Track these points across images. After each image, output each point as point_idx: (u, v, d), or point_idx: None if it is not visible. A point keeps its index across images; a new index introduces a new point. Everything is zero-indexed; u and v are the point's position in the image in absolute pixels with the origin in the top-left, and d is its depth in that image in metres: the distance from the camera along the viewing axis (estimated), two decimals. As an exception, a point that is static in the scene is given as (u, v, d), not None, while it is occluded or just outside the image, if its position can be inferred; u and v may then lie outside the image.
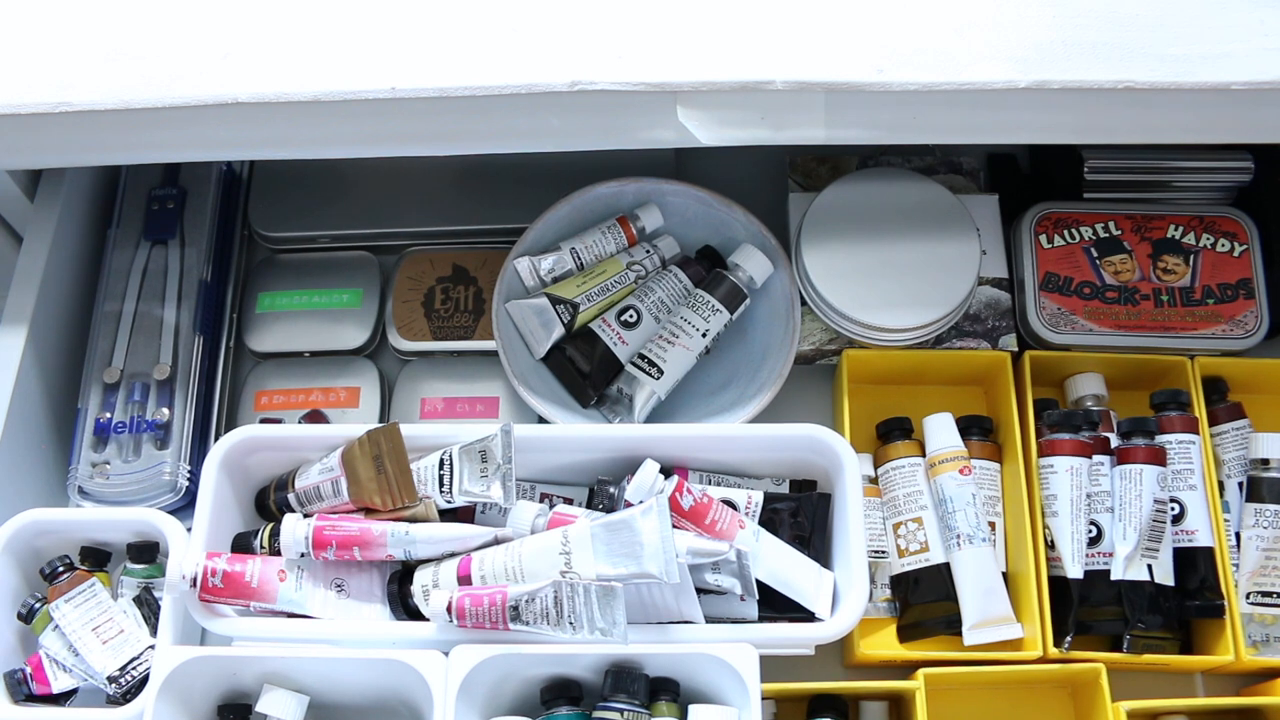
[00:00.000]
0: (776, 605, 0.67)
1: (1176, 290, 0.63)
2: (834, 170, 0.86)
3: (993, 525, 0.74)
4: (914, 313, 0.76)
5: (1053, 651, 0.70)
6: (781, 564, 0.67)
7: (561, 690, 0.65)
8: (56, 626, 0.68)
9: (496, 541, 0.67)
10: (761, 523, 0.69)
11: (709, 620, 0.65)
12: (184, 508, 0.76)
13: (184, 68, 0.70)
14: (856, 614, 0.65)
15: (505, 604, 0.62)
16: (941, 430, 0.75)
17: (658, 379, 0.78)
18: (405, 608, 0.67)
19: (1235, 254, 0.61)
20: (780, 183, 0.87)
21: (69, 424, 0.79)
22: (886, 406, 0.79)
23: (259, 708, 0.65)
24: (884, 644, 0.74)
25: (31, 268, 0.79)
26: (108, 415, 0.77)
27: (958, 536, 0.72)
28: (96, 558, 0.72)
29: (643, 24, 0.70)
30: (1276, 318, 0.78)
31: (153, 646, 0.68)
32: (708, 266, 0.82)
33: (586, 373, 0.79)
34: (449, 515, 0.70)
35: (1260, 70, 0.66)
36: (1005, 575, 0.74)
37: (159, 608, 0.70)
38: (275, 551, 0.67)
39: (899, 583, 0.74)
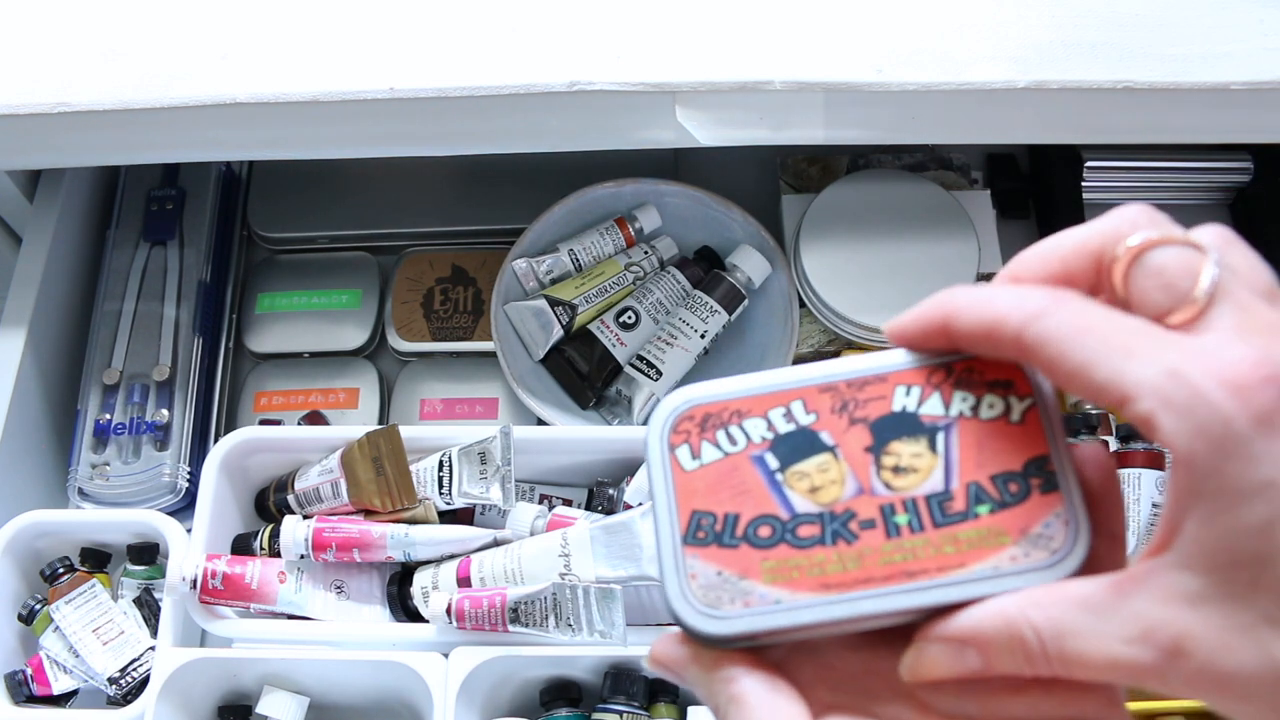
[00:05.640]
0: (775, 607, 0.66)
1: (920, 502, 0.30)
2: (824, 171, 0.86)
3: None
4: (913, 314, 0.76)
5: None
6: (780, 565, 0.67)
7: (561, 692, 0.65)
8: (57, 628, 0.68)
9: (496, 543, 0.67)
10: (761, 524, 0.69)
11: (708, 622, 0.65)
12: (184, 509, 0.76)
13: (183, 68, 0.70)
14: (855, 615, 0.65)
15: (505, 606, 0.62)
16: (940, 431, 0.74)
17: (656, 380, 0.78)
18: (405, 609, 0.67)
19: (1014, 418, 0.30)
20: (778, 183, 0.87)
21: (68, 425, 0.79)
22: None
23: (259, 709, 0.65)
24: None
25: (31, 269, 0.79)
26: (107, 417, 0.77)
27: (956, 538, 0.72)
28: (97, 559, 0.72)
29: (641, 24, 0.70)
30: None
31: (153, 648, 0.68)
32: (706, 268, 0.82)
33: (585, 374, 0.79)
34: (448, 517, 0.70)
35: (1260, 70, 0.66)
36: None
37: (159, 609, 0.70)
38: (275, 553, 0.67)
39: (898, 584, 0.74)
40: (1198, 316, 0.26)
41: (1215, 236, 0.27)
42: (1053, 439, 0.30)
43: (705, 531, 0.30)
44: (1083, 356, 0.26)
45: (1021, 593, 0.28)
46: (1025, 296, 0.28)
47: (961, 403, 0.30)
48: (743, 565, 0.30)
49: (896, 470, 0.30)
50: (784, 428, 0.31)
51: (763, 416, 0.31)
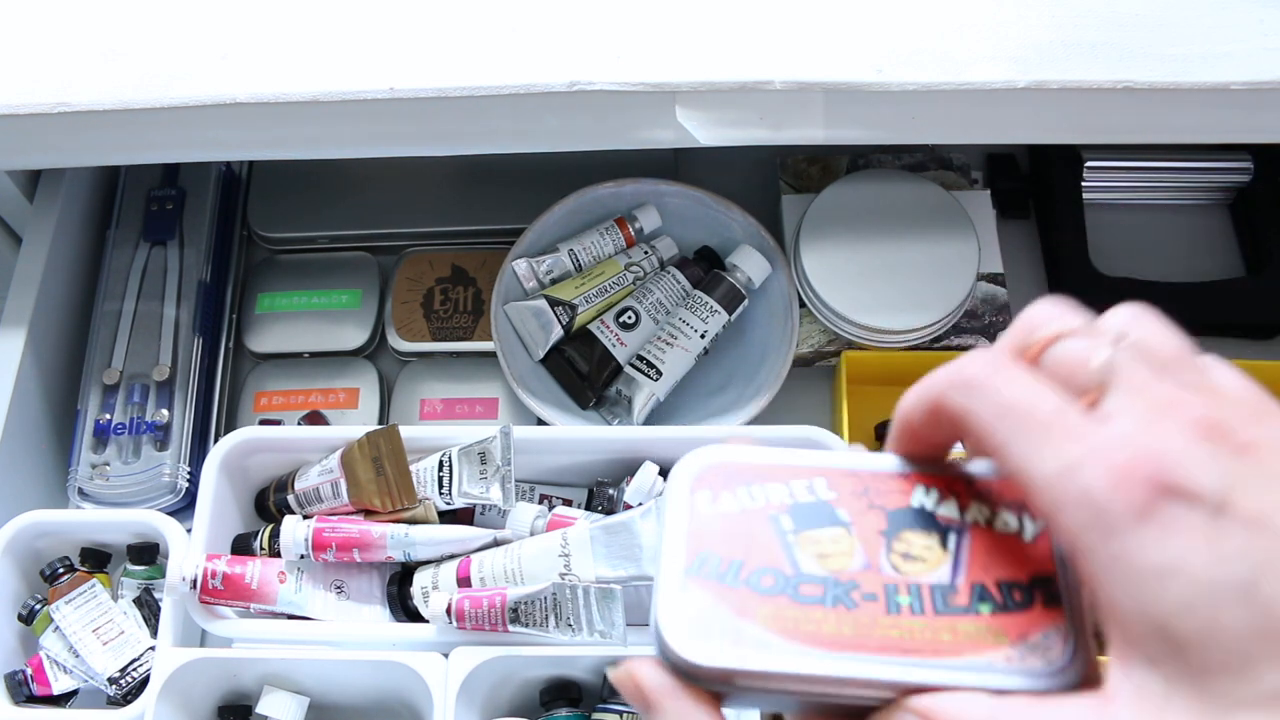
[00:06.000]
0: (775, 606, 0.66)
1: (924, 588, 0.32)
2: (824, 171, 0.86)
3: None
4: (913, 315, 0.76)
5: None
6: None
7: (561, 691, 0.65)
8: (57, 628, 0.68)
9: (496, 543, 0.67)
10: (760, 524, 0.69)
11: (708, 622, 0.65)
12: (184, 509, 0.76)
13: (183, 68, 0.70)
14: (855, 615, 0.65)
15: (505, 606, 0.62)
16: (940, 431, 0.74)
17: (656, 380, 0.78)
18: (405, 609, 0.67)
19: (1026, 537, 0.32)
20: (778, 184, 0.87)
21: (68, 425, 0.79)
22: (885, 408, 0.78)
23: (259, 709, 0.65)
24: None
25: (31, 269, 0.79)
26: (107, 416, 0.77)
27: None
28: (97, 559, 0.72)
29: (641, 24, 0.70)
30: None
31: (153, 648, 0.68)
32: (706, 268, 0.82)
33: (585, 374, 0.79)
34: (448, 517, 0.70)
35: (1260, 70, 0.66)
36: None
37: (159, 609, 0.70)
38: (275, 553, 0.67)
39: (898, 584, 0.74)
40: (1096, 404, 0.27)
41: (1118, 317, 0.28)
42: (1061, 565, 0.30)
43: (709, 569, 0.31)
44: (1000, 439, 0.27)
45: (1008, 698, 0.27)
46: (961, 365, 0.28)
47: (977, 512, 0.31)
48: (740, 605, 0.30)
49: (906, 556, 0.31)
50: (804, 498, 0.32)
51: (785, 484, 0.32)
